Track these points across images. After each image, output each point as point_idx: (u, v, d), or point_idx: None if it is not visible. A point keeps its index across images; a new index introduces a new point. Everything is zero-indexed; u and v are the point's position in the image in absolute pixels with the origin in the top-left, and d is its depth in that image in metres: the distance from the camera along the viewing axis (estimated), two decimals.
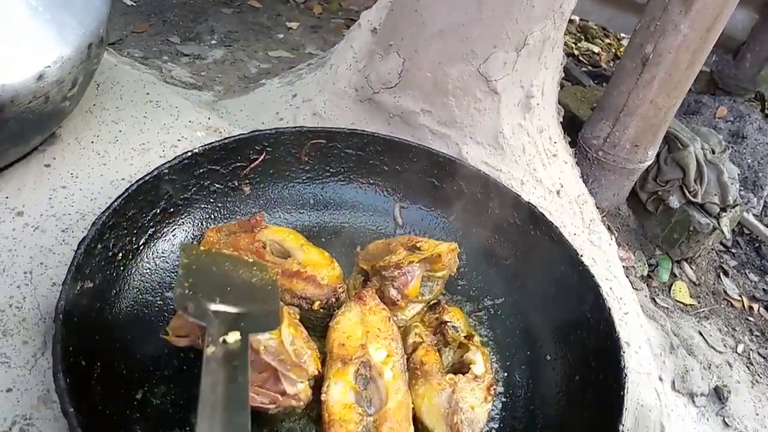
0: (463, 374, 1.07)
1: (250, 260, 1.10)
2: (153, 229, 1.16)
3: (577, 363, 1.15)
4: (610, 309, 1.14)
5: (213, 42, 2.89)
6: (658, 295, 2.34)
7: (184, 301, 0.93)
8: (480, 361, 1.10)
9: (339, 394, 0.99)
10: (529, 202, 1.32)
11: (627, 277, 1.91)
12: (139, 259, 1.13)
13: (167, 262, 1.17)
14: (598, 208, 1.96)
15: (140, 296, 1.11)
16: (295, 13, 3.30)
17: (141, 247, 1.14)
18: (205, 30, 2.95)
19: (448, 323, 1.17)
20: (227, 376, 0.83)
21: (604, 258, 1.78)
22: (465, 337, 1.16)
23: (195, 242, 1.22)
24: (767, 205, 3.02)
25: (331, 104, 1.64)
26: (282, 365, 0.96)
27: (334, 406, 0.98)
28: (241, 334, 0.89)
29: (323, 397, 0.98)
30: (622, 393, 1.01)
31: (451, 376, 1.06)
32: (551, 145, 1.72)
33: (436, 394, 1.03)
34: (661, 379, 1.78)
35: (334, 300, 1.14)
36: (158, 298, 1.12)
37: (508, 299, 1.31)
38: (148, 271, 1.14)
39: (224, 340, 0.88)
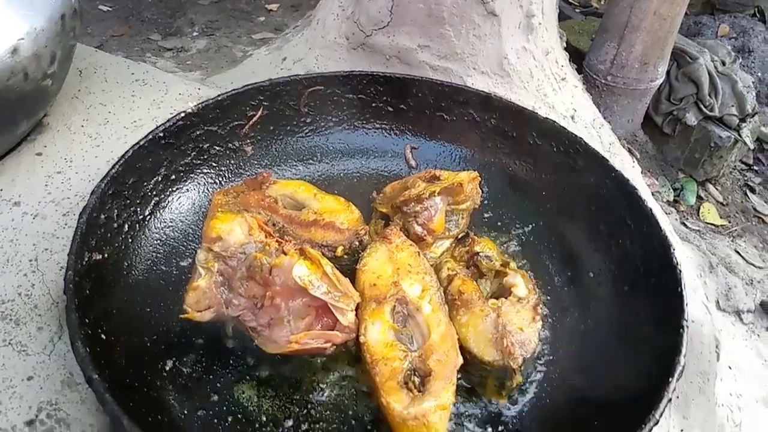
0: (506, 299, 1.00)
1: None
2: (157, 198, 1.10)
3: (623, 273, 1.07)
4: (651, 209, 1.06)
5: (195, 34, 2.82)
6: (687, 219, 2.26)
7: None
8: (521, 282, 1.02)
9: (378, 333, 0.93)
10: (547, 118, 1.24)
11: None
12: (147, 230, 1.07)
13: (176, 231, 1.11)
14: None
15: (154, 267, 1.04)
16: None
17: (148, 218, 1.08)
18: (185, 23, 2.89)
19: (480, 254, 1.10)
20: None
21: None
22: (501, 265, 1.09)
23: (202, 209, 1.15)
24: None
25: (324, 59, 1.57)
26: (331, 297, 0.90)
27: (376, 346, 0.91)
28: None
29: (362, 339, 0.92)
30: (679, 289, 0.93)
31: (493, 301, 0.99)
32: (559, 69, 1.63)
33: (480, 321, 0.96)
34: (707, 298, 1.70)
35: (357, 243, 1.07)
36: (173, 268, 1.06)
37: (539, 224, 1.23)
38: (158, 242, 1.08)
39: None
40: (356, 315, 0.95)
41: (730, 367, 1.71)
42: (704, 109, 2.16)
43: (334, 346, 0.93)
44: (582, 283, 1.12)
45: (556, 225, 1.21)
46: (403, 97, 1.32)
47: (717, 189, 2.46)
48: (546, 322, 1.07)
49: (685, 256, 1.74)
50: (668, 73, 2.16)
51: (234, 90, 1.20)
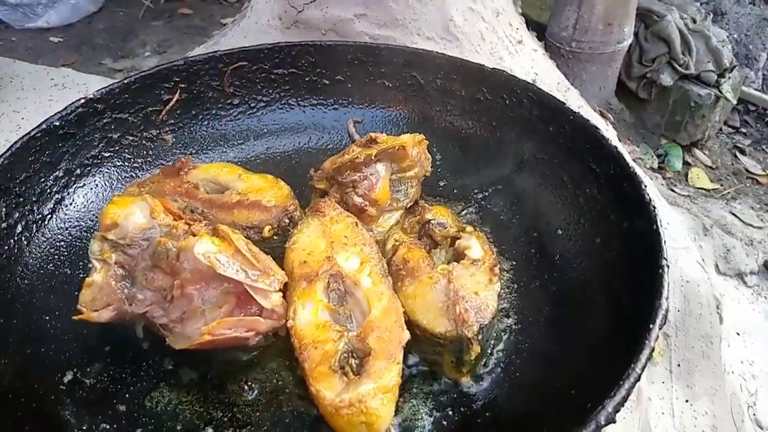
0: (458, 263, 0.87)
1: None
2: (59, 195, 0.97)
3: (593, 224, 0.94)
4: (617, 148, 0.94)
5: (146, 54, 2.72)
6: (675, 185, 2.13)
7: None
8: (475, 243, 0.89)
9: (309, 315, 0.79)
10: (495, 68, 1.12)
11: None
12: (46, 230, 0.94)
13: (84, 231, 0.97)
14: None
15: (56, 271, 0.91)
16: (229, 10, 3.13)
17: (47, 217, 0.95)
18: (137, 45, 2.79)
19: (432, 221, 0.97)
20: None
21: None
22: (455, 231, 0.95)
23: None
24: (767, 77, 2.81)
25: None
26: (246, 277, 0.77)
27: (305, 330, 0.77)
28: None
29: (290, 323, 0.78)
30: (654, 226, 0.80)
31: (443, 266, 0.86)
32: (513, 31, 1.52)
33: (429, 289, 0.83)
34: (704, 261, 1.56)
35: (287, 221, 0.94)
36: (80, 271, 0.92)
37: (498, 186, 1.10)
38: (61, 243, 0.94)
39: None
40: (285, 298, 0.82)
41: (738, 333, 1.56)
42: (679, 68, 2.04)
43: (259, 336, 0.80)
44: (549, 243, 0.99)
45: (517, 185, 1.09)
46: (339, 66, 1.20)
47: (705, 153, 2.33)
48: (510, 289, 0.94)
49: (674, 219, 1.61)
50: (636, 35, 2.05)
51: (143, 71, 1.08)
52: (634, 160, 2.05)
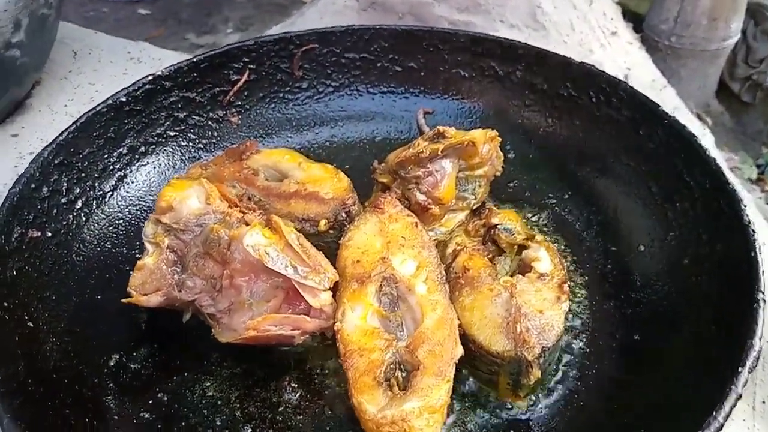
0: (523, 276, 0.79)
1: None
2: (121, 172, 0.97)
3: (682, 243, 0.85)
4: (715, 160, 0.83)
5: (228, 31, 2.75)
6: None
7: None
8: (545, 256, 0.81)
9: (358, 319, 0.74)
10: (582, 62, 1.02)
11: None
12: (106, 207, 0.93)
13: (143, 210, 0.97)
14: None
15: (112, 249, 0.91)
16: None
17: (108, 194, 0.95)
18: (220, 21, 2.82)
19: (499, 226, 0.89)
20: None
21: None
22: (524, 239, 0.88)
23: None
24: None
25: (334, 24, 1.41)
26: (295, 273, 0.73)
27: (352, 335, 0.73)
28: None
29: (337, 326, 0.74)
30: (753, 254, 0.70)
31: (506, 278, 0.79)
32: (607, 21, 1.40)
33: (488, 302, 0.76)
34: None
35: (344, 215, 0.89)
36: (135, 251, 0.91)
37: (576, 192, 1.02)
38: (120, 221, 0.94)
39: None
40: (334, 298, 0.77)
41: None
42: None
43: (305, 335, 0.76)
44: (629, 260, 0.90)
45: (597, 192, 1.00)
46: (413, 53, 1.14)
47: None
48: (581, 306, 0.86)
49: None
50: (744, 32, 1.87)
51: (213, 50, 1.06)
52: (731, 170, 1.88)
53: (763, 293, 0.66)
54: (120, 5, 2.92)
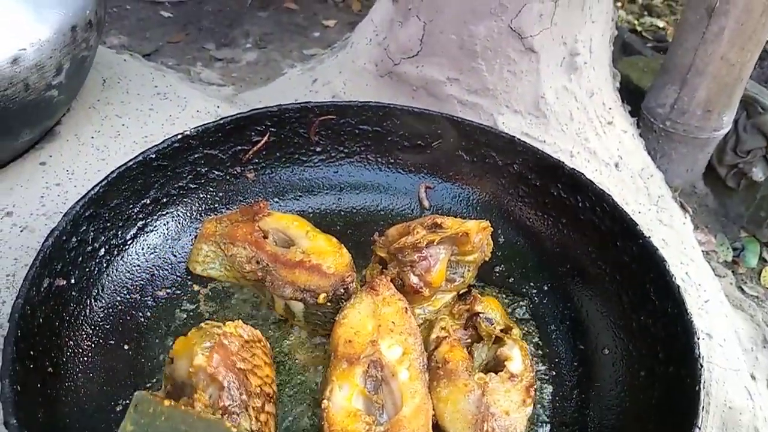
0: (497, 373, 0.89)
1: (210, 417, 0.73)
2: (143, 222, 1.05)
3: (642, 356, 0.94)
4: (678, 288, 0.93)
5: (248, 45, 2.82)
6: (745, 282, 2.04)
7: None
8: (517, 356, 0.91)
9: (344, 399, 0.83)
10: (574, 170, 1.12)
11: (708, 262, 1.65)
12: (126, 255, 1.02)
13: (160, 257, 1.05)
14: (670, 186, 1.71)
15: (128, 296, 0.99)
16: (332, 12, 3.20)
17: (129, 242, 1.03)
18: (240, 34, 2.89)
19: (481, 314, 0.99)
20: None
21: (678, 239, 1.54)
22: (502, 330, 0.97)
23: (192, 235, 1.09)
24: None
25: (351, 84, 1.50)
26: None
27: (337, 415, 0.81)
28: None
29: (324, 403, 0.83)
30: (696, 387, 0.80)
31: (480, 375, 0.88)
32: (605, 111, 1.50)
33: (462, 397, 0.85)
34: (754, 378, 1.51)
35: (342, 291, 0.98)
36: (149, 298, 1.00)
37: (554, 285, 1.11)
38: (137, 268, 1.02)
39: None
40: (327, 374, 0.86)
41: None
42: None
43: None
44: (593, 361, 1.00)
45: (572, 289, 1.09)
46: (422, 132, 1.23)
47: None
48: (546, 400, 0.95)
49: (735, 326, 1.55)
50: (736, 122, 1.97)
51: (239, 114, 1.14)
52: (707, 253, 1.99)
53: (699, 428, 0.75)
54: (143, 4, 2.99)
